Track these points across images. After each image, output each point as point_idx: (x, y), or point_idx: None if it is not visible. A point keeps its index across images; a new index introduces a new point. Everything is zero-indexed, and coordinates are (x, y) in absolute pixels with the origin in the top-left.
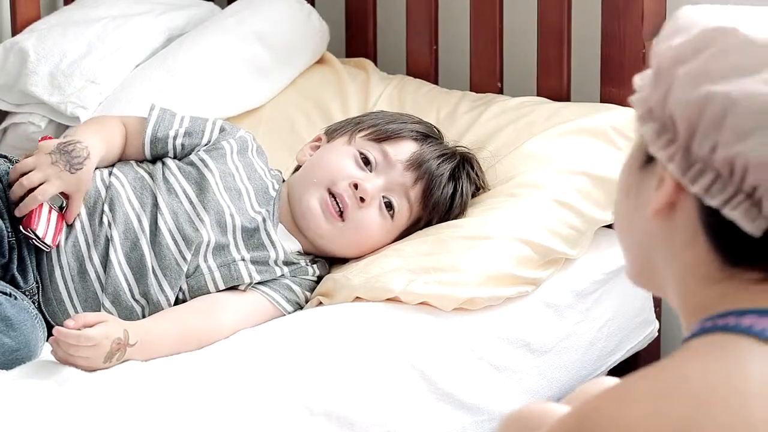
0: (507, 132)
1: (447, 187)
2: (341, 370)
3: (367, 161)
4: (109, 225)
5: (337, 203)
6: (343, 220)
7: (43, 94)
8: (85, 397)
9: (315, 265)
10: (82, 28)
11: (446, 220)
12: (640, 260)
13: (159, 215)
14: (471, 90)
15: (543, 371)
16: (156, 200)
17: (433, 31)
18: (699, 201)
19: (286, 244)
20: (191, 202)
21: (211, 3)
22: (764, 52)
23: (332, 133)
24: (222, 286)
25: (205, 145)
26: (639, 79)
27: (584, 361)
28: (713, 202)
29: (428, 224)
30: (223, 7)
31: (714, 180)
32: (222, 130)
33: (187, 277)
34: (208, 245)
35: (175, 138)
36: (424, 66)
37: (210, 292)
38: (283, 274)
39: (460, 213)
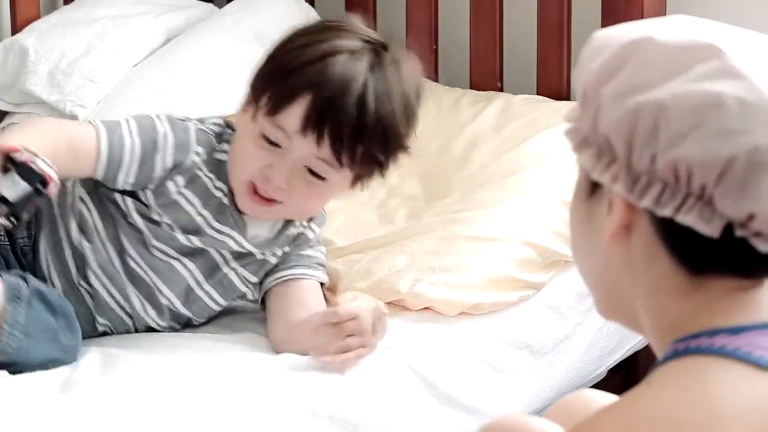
0: (511, 127)
1: (354, 122)
2: (344, 373)
3: (272, 141)
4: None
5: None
6: (279, 202)
7: (42, 93)
8: (87, 402)
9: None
10: (82, 28)
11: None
12: (606, 291)
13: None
14: (471, 89)
15: (544, 373)
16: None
17: (433, 30)
18: (652, 215)
19: (259, 229)
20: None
21: (211, 4)
22: (682, 53)
23: (246, 98)
24: (223, 303)
25: (153, 183)
26: (568, 112)
27: (584, 361)
28: (665, 211)
29: (387, 153)
30: (221, 8)
31: (662, 190)
32: (173, 167)
33: (184, 305)
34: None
35: (125, 181)
36: (424, 65)
37: (213, 310)
38: (285, 252)
39: (408, 117)
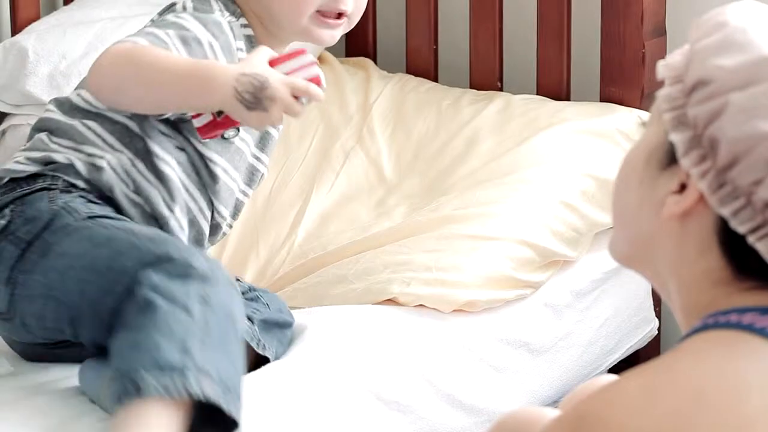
0: (511, 126)
1: None
2: (341, 371)
3: None
4: None
5: None
6: (347, 16)
7: (42, 95)
8: None
9: None
10: (82, 29)
11: None
12: (637, 248)
13: None
14: (471, 89)
15: (543, 371)
16: None
17: (433, 30)
18: (718, 215)
19: None
20: None
21: None
22: None
23: None
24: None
25: None
26: (668, 71)
27: (584, 360)
28: (740, 228)
29: None
30: None
31: (744, 206)
32: None
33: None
34: None
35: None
36: (424, 65)
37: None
38: None
39: None
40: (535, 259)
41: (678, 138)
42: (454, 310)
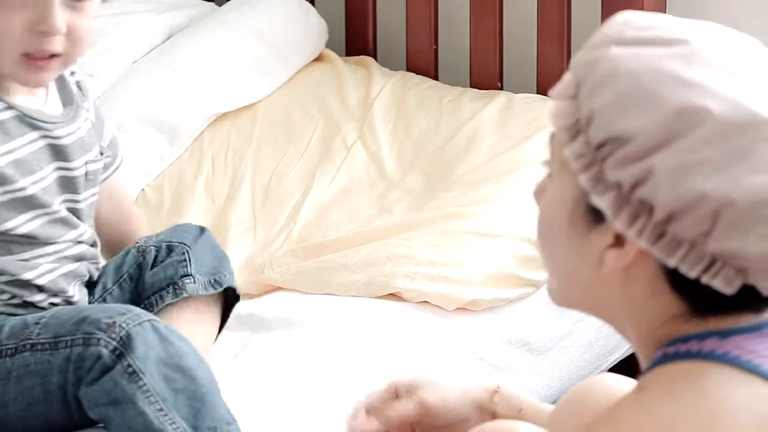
0: (512, 125)
1: None
2: (341, 369)
3: None
4: None
5: None
6: (60, 55)
7: None
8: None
9: None
10: None
11: None
12: (580, 295)
13: None
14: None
15: (543, 371)
16: None
17: (433, 30)
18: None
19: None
20: None
21: (211, 3)
22: (746, 133)
23: None
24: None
25: None
26: (561, 121)
27: (584, 360)
28: (691, 272)
29: None
30: (221, 6)
31: (689, 250)
32: None
33: None
34: None
35: None
36: (424, 65)
37: None
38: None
39: None
40: (538, 256)
41: (602, 202)
42: (457, 308)
